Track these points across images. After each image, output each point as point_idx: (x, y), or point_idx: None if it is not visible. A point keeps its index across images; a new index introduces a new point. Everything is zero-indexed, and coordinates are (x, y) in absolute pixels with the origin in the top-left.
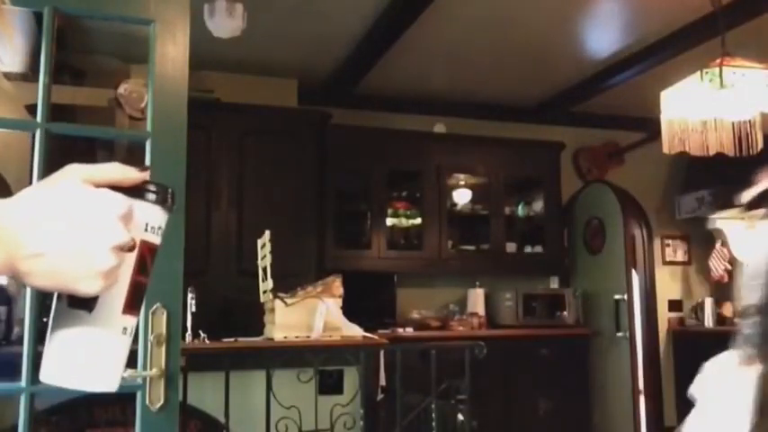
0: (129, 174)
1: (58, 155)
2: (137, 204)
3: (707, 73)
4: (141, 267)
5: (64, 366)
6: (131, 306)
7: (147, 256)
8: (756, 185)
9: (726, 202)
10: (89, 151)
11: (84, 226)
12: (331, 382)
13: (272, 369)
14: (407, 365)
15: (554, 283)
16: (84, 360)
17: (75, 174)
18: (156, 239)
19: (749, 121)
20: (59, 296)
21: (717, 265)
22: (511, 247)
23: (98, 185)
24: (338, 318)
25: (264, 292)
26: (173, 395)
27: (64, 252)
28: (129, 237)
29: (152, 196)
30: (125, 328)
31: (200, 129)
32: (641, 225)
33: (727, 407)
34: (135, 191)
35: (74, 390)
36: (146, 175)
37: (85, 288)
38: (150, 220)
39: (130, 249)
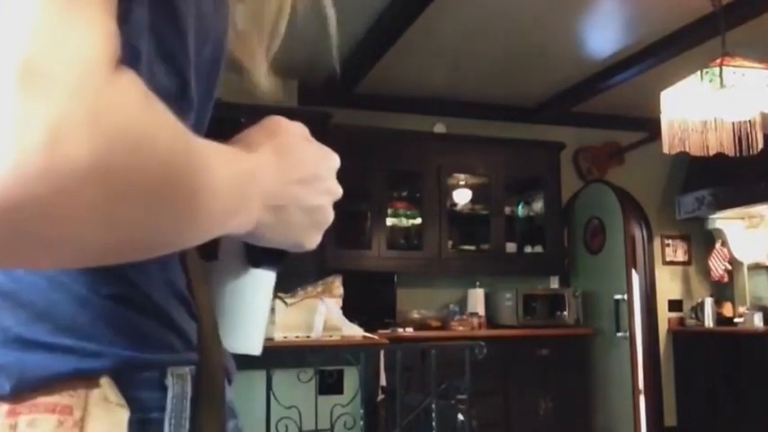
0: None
1: None
2: None
3: (707, 73)
4: None
5: (256, 333)
6: None
7: None
8: None
9: (726, 202)
10: None
11: (316, 182)
12: (331, 382)
13: (272, 369)
14: (407, 365)
15: (554, 283)
16: (260, 324)
17: (296, 129)
18: None
19: (749, 121)
20: (227, 260)
21: (717, 265)
22: (511, 247)
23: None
24: (338, 318)
25: None
26: None
27: (300, 206)
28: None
29: None
30: None
31: None
32: (641, 225)
33: None
34: None
35: None
36: None
37: (310, 242)
38: None
39: None
